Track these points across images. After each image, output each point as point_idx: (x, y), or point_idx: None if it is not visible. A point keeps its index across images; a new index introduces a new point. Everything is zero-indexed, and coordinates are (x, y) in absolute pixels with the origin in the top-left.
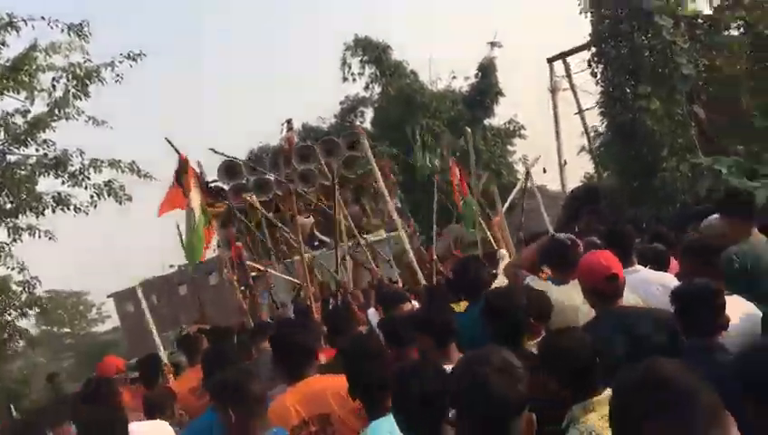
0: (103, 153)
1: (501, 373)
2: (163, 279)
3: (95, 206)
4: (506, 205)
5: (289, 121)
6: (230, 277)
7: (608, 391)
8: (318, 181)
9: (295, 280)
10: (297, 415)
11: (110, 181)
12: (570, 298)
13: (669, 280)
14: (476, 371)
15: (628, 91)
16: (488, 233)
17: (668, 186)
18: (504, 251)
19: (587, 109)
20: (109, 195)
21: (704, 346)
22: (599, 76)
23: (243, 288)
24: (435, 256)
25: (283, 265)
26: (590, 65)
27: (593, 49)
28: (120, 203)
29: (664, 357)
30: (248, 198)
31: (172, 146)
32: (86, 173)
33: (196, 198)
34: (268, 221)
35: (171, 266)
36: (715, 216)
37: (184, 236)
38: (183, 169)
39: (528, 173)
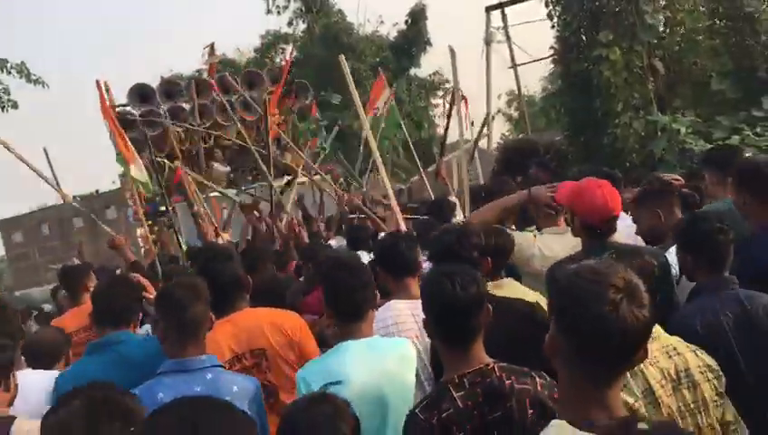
0: None
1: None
2: (56, 209)
3: None
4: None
5: (212, 46)
6: (136, 211)
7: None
8: (239, 115)
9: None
10: (229, 350)
11: None
12: (549, 249)
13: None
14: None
15: (584, 38)
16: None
17: (619, 143)
18: (454, 198)
19: (523, 63)
20: None
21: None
22: (555, 19)
23: (149, 223)
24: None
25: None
26: (547, 5)
27: None
28: (4, 109)
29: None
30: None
31: None
32: None
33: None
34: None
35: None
36: None
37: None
38: None
39: (484, 125)
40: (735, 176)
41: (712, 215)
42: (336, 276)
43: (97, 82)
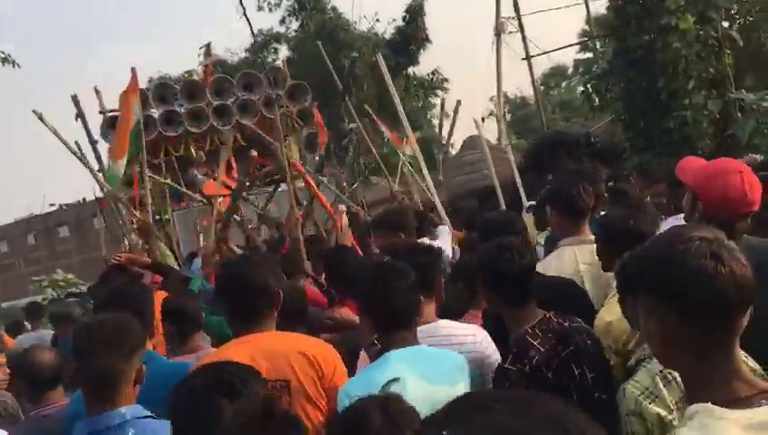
0: None
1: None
2: (41, 218)
3: None
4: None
5: (208, 46)
6: (131, 217)
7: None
8: (234, 118)
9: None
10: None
11: None
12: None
13: None
14: None
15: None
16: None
17: (690, 127)
18: (444, 227)
19: (539, 54)
20: None
21: None
22: None
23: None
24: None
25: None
26: None
27: None
28: None
29: None
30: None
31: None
32: None
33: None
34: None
35: (51, 205)
36: None
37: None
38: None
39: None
40: None
41: None
42: (380, 279)
43: (133, 69)
